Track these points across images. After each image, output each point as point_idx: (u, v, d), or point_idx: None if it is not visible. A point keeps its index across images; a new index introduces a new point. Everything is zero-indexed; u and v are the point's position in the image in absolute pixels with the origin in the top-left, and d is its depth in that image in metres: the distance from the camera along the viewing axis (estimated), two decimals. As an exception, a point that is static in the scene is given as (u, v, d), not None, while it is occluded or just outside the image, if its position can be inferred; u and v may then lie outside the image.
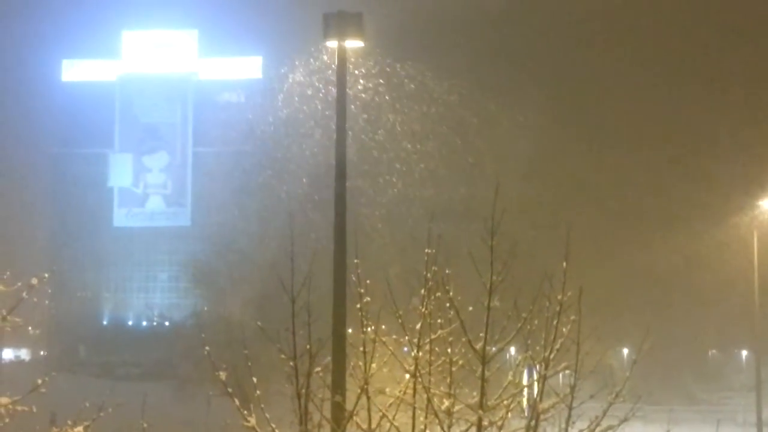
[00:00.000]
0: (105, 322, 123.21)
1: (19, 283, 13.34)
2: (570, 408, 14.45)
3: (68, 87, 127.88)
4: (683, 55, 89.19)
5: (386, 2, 75.11)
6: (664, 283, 75.52)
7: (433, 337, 14.53)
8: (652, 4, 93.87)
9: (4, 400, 13.34)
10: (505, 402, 14.70)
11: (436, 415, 14.43)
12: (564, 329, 14.33)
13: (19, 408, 13.45)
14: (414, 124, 76.77)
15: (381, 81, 72.18)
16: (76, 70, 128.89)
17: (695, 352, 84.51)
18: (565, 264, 14.60)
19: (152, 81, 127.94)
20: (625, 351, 69.83)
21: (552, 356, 14.35)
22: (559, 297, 14.23)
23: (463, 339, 14.39)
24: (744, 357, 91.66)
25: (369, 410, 14.46)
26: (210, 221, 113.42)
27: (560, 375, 15.29)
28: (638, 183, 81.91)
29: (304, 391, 14.21)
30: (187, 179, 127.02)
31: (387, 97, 74.05)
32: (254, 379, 14.79)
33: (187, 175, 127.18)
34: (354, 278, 14.88)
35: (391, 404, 14.73)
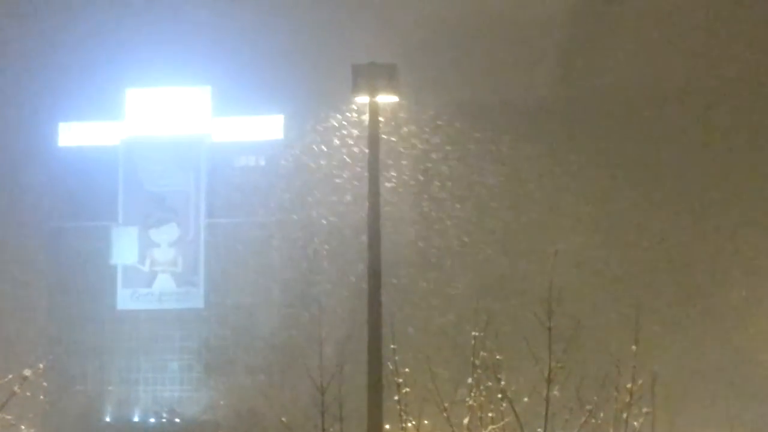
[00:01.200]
0: (108, 419, 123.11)
1: (11, 376, 13.28)
2: None
3: (66, 153, 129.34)
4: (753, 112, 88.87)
5: (420, 54, 75.51)
6: (749, 368, 74.28)
7: (483, 433, 14.16)
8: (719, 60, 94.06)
9: None
10: None
11: None
12: (635, 423, 14.19)
13: None
14: (457, 189, 76.61)
15: (417, 142, 72.37)
16: (74, 134, 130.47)
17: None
18: (634, 347, 14.43)
19: (160, 144, 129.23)
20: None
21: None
22: (629, 386, 14.03)
23: (519, 436, 13.93)
24: None
25: None
26: (226, 302, 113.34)
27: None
28: (714, 255, 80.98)
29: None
30: (199, 255, 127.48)
31: (425, 158, 74.13)
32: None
33: (199, 251, 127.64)
34: (391, 366, 14.62)
35: None
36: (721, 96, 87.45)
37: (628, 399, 14.13)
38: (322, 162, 76.24)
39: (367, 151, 19.64)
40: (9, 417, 13.44)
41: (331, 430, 14.38)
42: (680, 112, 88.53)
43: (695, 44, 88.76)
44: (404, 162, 72.55)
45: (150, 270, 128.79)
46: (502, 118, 79.35)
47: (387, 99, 19.10)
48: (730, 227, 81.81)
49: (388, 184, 63.84)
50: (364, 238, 18.85)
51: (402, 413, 14.77)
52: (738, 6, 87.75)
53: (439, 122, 75.63)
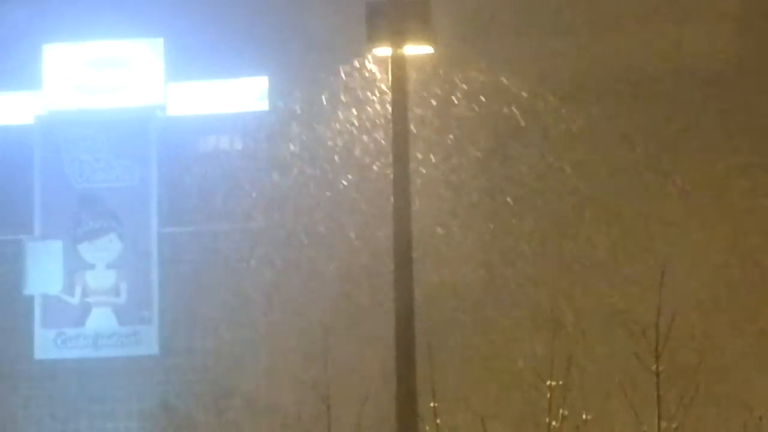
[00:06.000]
0: None
1: None
2: None
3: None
4: None
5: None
6: None
7: None
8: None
9: None
10: None
11: None
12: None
13: None
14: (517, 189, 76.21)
15: (461, 109, 72.10)
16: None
17: None
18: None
19: (91, 122, 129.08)
20: None
21: None
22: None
23: None
24: None
25: None
26: (191, 345, 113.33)
27: None
28: None
29: None
30: (151, 279, 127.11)
31: (468, 132, 73.93)
32: None
33: (151, 273, 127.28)
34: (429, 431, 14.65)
35: None
36: None
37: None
38: (325, 141, 75.67)
39: (390, 125, 19.53)
40: None
41: None
42: None
43: None
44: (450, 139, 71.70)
45: (81, 302, 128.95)
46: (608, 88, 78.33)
47: (418, 50, 19.15)
48: None
49: (419, 180, 61.76)
50: (384, 254, 18.74)
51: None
52: None
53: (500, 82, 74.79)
